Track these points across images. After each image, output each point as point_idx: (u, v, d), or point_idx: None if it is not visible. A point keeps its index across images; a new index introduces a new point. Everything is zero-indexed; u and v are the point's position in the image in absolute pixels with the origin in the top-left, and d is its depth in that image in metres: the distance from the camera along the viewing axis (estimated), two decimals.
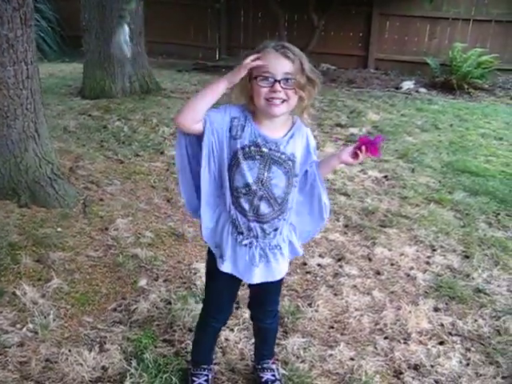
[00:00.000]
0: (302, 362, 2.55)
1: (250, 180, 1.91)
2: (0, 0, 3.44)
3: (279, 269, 2.09)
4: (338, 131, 6.41)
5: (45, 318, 2.73)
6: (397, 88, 9.31)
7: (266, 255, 2.04)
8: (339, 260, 3.49)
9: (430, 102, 8.40)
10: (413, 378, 2.48)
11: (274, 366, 2.42)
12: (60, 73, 9.11)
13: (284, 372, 2.45)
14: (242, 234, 2.01)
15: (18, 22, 3.58)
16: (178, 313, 2.81)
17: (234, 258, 2.04)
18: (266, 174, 1.92)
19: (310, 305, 2.98)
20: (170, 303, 2.91)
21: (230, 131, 1.90)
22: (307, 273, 3.34)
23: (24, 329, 2.65)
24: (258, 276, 2.05)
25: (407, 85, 9.38)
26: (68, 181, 4.19)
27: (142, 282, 3.10)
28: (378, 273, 3.37)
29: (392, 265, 3.47)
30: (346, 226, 3.97)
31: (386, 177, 4.99)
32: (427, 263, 3.51)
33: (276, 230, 2.02)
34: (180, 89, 8.39)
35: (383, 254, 3.58)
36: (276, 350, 2.54)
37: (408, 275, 3.35)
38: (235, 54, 11.18)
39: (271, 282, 2.10)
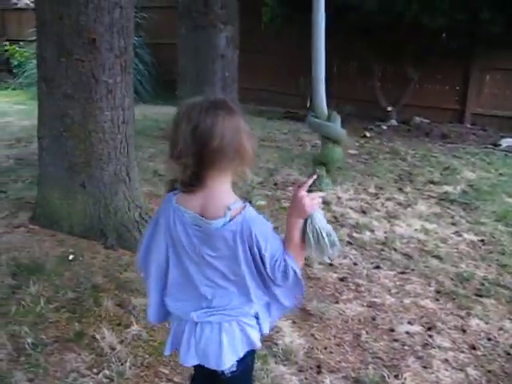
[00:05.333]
0: None
1: None
2: (104, 48, 3.57)
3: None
4: (431, 188, 6.13)
5: (121, 364, 2.69)
6: (495, 145, 8.86)
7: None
8: (429, 329, 3.23)
9: None
10: None
11: None
12: (154, 115, 9.35)
13: None
14: None
15: (118, 69, 3.71)
16: (256, 373, 2.67)
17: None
18: None
19: (396, 376, 2.75)
20: None
21: None
22: (394, 340, 3.10)
23: (100, 374, 2.62)
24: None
25: (507, 142, 8.90)
26: None
27: None
28: (474, 347, 3.07)
29: (489, 340, 3.17)
30: (438, 292, 3.69)
31: (482, 241, 4.65)
32: None
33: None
34: (270, 137, 8.42)
35: (479, 327, 3.28)
36: None
37: (508, 354, 3.03)
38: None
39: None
